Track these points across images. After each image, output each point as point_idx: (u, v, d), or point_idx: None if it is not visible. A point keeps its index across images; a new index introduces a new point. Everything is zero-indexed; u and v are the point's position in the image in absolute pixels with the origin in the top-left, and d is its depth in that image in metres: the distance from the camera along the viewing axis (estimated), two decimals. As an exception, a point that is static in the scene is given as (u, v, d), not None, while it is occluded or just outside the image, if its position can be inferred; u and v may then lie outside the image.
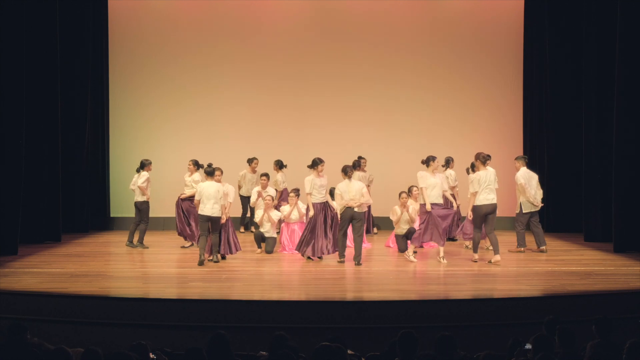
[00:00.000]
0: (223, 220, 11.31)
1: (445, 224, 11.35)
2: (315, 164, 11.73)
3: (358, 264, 11.12)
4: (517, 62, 16.09)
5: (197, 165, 12.86)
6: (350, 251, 11.71)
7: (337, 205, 11.41)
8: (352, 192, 11.23)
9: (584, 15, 13.45)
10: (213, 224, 11.21)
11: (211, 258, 11.29)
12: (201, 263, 10.98)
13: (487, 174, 11.21)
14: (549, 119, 15.04)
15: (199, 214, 11.25)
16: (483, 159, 11.28)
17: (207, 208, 11.11)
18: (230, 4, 16.08)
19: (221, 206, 11.21)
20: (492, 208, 11.20)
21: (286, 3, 16.19)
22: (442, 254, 11.40)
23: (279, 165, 14.57)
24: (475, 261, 11.29)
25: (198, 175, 12.83)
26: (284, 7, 16.17)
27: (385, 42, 16.06)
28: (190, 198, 12.66)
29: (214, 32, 16.05)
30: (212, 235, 11.23)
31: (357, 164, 13.87)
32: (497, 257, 11.17)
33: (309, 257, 11.67)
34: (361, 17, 16.05)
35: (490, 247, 11.96)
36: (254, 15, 16.05)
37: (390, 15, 16.04)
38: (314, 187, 11.65)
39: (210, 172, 11.27)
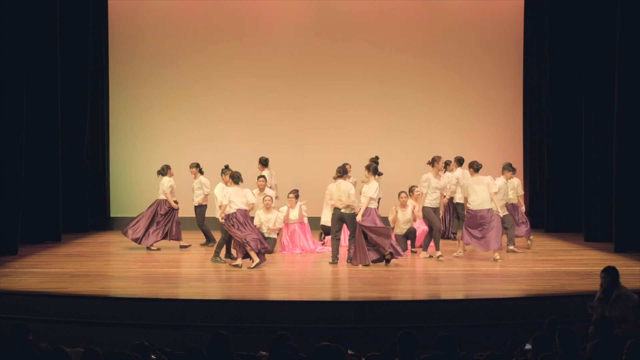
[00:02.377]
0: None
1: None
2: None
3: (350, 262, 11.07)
4: (517, 62, 16.09)
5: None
6: (343, 250, 11.65)
7: (329, 205, 11.32)
8: (339, 193, 11.20)
9: (584, 16, 13.45)
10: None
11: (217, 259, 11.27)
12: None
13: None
14: (549, 119, 15.03)
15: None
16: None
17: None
18: (230, 4, 16.08)
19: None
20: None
21: (286, 3, 16.19)
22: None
23: (263, 162, 13.36)
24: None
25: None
26: (284, 7, 16.17)
27: (385, 42, 16.06)
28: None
29: (214, 32, 16.05)
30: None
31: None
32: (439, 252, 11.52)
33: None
34: (361, 17, 16.05)
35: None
36: (254, 15, 16.05)
37: (390, 15, 16.04)
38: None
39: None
